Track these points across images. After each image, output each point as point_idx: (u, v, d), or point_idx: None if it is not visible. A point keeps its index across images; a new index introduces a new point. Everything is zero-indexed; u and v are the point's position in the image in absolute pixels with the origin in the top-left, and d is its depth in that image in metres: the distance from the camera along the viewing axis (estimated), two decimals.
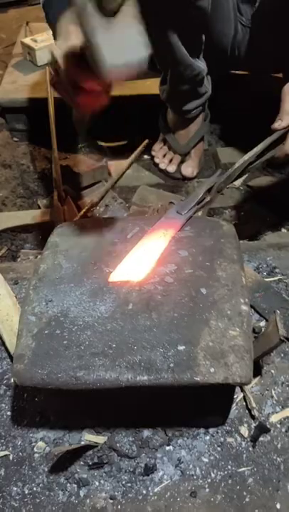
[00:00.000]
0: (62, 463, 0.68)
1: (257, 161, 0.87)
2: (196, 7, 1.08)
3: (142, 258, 0.72)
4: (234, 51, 1.31)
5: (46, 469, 0.69)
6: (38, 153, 1.59)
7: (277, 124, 0.90)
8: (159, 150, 1.51)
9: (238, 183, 1.44)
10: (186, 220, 0.77)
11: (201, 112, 1.40)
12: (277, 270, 0.92)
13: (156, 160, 1.50)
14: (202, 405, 0.68)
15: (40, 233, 1.28)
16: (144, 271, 0.70)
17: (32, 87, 1.62)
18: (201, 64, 1.23)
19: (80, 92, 0.65)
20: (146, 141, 1.57)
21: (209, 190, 0.83)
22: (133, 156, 1.54)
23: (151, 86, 1.49)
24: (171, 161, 1.47)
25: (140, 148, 1.56)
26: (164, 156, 1.48)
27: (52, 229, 0.82)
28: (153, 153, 1.52)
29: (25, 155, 1.58)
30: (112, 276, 0.70)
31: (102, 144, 1.63)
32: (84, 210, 1.32)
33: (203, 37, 1.18)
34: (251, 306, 0.85)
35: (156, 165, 1.50)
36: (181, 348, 0.60)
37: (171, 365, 0.59)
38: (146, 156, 1.56)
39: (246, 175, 0.88)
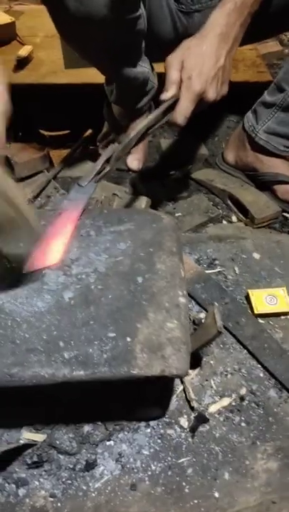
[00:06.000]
0: None
1: (151, 129, 0.95)
2: (134, 32, 1.07)
3: (54, 243, 0.70)
4: (177, 38, 1.31)
5: None
6: None
7: (164, 95, 0.94)
8: (103, 140, 1.48)
9: (179, 174, 1.45)
10: (87, 199, 0.78)
11: (149, 105, 1.39)
12: (217, 262, 0.93)
13: (101, 151, 1.48)
14: (142, 398, 0.68)
15: None
16: (59, 255, 0.69)
17: None
18: (144, 67, 1.22)
19: None
20: (90, 131, 1.54)
21: (108, 161, 0.86)
22: (76, 145, 1.51)
23: (96, 75, 1.46)
24: None
25: (83, 137, 1.53)
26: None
27: None
28: (98, 143, 1.50)
29: None
30: (29, 265, 0.66)
31: (44, 132, 1.58)
32: None
33: (143, 43, 1.17)
34: (192, 297, 0.85)
35: (100, 155, 1.47)
36: (118, 341, 0.59)
37: (108, 358, 0.58)
38: (91, 147, 1.53)
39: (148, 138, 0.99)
